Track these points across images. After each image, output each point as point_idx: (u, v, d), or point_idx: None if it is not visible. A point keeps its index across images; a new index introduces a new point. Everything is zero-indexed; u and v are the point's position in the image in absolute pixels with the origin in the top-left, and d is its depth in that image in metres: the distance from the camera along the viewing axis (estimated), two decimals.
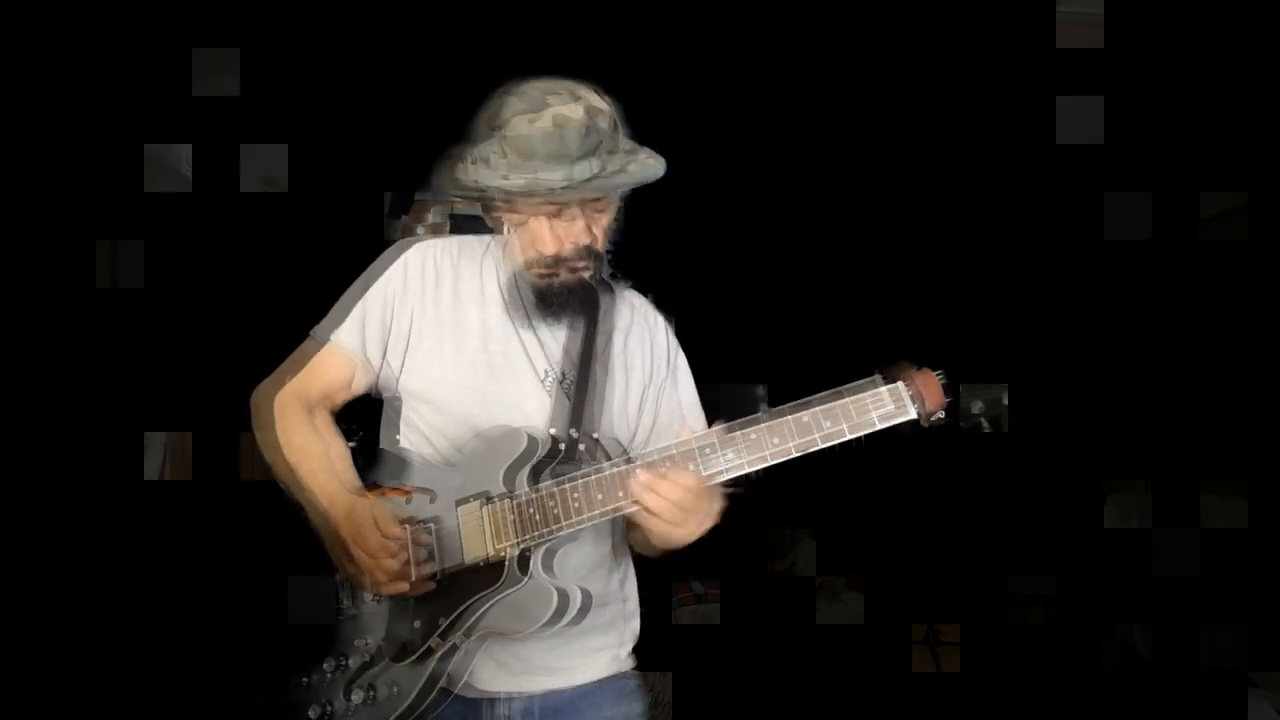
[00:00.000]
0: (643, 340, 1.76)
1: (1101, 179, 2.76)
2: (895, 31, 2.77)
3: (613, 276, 1.74)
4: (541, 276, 1.62)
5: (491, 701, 1.65)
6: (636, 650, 1.78)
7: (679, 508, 1.43)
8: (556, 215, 1.59)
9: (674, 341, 1.80)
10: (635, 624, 1.78)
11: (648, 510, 1.43)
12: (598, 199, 1.60)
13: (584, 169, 1.56)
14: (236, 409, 1.94)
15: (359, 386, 1.75)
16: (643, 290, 1.85)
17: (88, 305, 2.80)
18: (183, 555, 2.81)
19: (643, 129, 1.65)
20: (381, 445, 1.73)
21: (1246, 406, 2.70)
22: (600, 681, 1.70)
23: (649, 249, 1.84)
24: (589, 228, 1.61)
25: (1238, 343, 2.69)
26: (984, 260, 2.82)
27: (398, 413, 1.74)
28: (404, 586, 1.54)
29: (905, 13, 2.75)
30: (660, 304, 1.81)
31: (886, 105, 2.80)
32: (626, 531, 1.75)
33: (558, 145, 1.54)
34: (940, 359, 1.35)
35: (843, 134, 2.81)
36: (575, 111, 1.56)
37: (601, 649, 1.71)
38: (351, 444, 1.77)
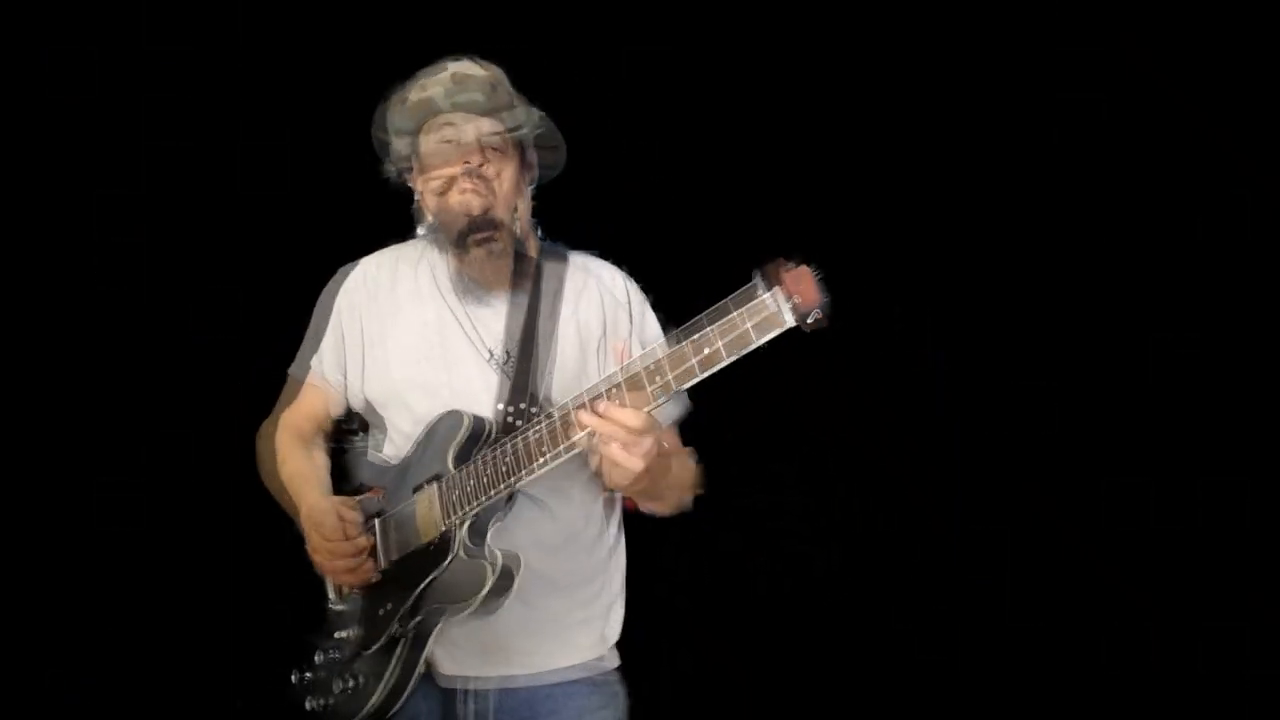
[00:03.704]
0: (596, 296, 1.73)
1: (1100, 179, 2.76)
2: (894, 31, 2.78)
3: (559, 243, 1.76)
4: (467, 245, 1.62)
5: (464, 694, 1.64)
6: (620, 645, 1.73)
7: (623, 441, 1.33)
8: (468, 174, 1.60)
9: (636, 291, 1.78)
10: (617, 615, 1.73)
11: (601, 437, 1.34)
12: (492, 153, 1.61)
13: (492, 124, 1.60)
14: (235, 409, 1.94)
15: (334, 409, 1.77)
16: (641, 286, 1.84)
17: (88, 305, 2.80)
18: (183, 555, 2.81)
19: (643, 129, 1.65)
20: (367, 458, 1.75)
21: (1247, 406, 2.70)
22: (576, 682, 1.67)
23: (649, 250, 1.84)
24: (488, 189, 1.61)
25: (1238, 343, 2.68)
26: (983, 261, 2.82)
27: (371, 424, 1.76)
28: (364, 575, 1.57)
29: (905, 12, 2.76)
30: (660, 306, 1.80)
31: (885, 105, 2.81)
32: (616, 505, 1.75)
33: (461, 96, 1.59)
34: (938, 358, 1.33)
35: (842, 134, 2.81)
36: (474, 70, 1.62)
37: (579, 638, 1.67)
38: (348, 447, 1.80)
